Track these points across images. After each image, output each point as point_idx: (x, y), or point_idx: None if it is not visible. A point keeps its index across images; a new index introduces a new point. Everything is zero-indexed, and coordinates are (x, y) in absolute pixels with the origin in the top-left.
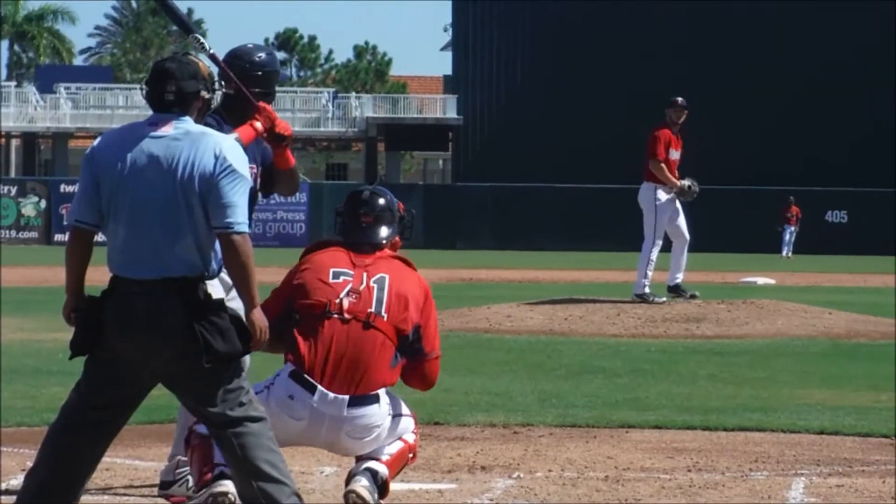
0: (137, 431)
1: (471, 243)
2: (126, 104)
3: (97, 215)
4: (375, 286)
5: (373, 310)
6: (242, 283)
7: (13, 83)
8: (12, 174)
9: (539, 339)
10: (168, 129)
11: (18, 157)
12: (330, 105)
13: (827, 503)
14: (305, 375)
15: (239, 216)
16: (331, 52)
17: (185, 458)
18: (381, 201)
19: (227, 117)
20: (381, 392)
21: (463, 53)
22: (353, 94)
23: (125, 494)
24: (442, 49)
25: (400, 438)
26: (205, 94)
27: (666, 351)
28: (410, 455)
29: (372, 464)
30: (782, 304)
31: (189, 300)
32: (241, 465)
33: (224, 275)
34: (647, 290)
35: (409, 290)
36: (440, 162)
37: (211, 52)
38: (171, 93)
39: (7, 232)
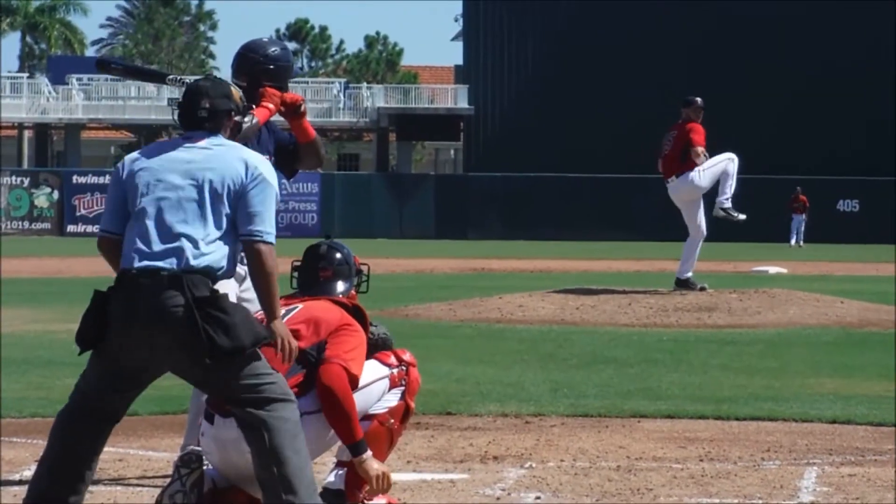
0: (150, 422)
1: (482, 233)
2: (138, 95)
3: (124, 225)
4: (283, 311)
5: None
6: (265, 293)
7: (25, 74)
8: (25, 165)
9: (551, 328)
10: (202, 143)
11: (31, 148)
12: (341, 95)
13: (839, 492)
14: (208, 408)
15: (267, 226)
16: (342, 42)
17: (197, 448)
18: (339, 255)
19: None
20: None
21: (474, 43)
22: (365, 84)
23: (138, 485)
24: (453, 39)
25: (366, 417)
26: (236, 116)
27: (678, 340)
28: (390, 422)
29: (332, 475)
30: (794, 294)
31: (194, 295)
32: (264, 450)
33: (237, 267)
34: (690, 274)
35: (321, 315)
36: (451, 152)
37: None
38: (204, 109)
39: (20, 223)
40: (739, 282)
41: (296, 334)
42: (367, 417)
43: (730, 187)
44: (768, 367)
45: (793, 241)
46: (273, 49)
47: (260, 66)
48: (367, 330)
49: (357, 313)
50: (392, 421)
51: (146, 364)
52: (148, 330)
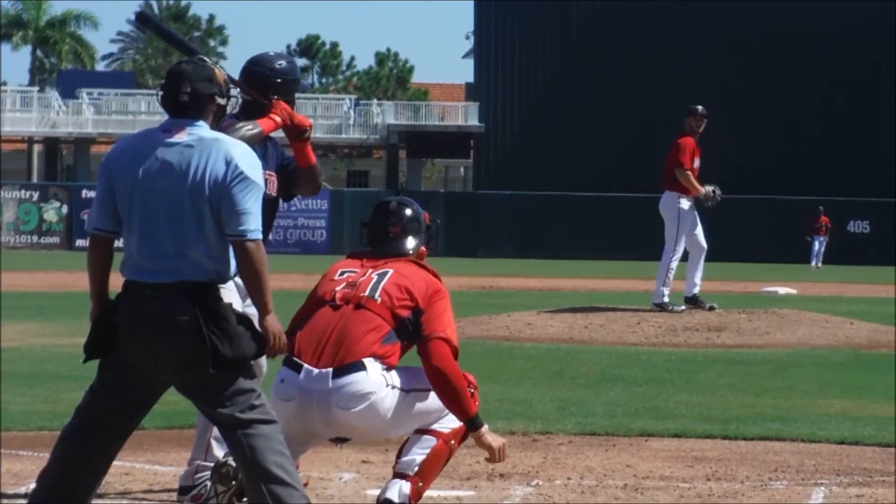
0: (157, 436)
1: (491, 251)
2: (148, 109)
3: (115, 222)
4: (376, 277)
5: (366, 294)
6: (256, 289)
7: (36, 88)
8: (34, 179)
9: (559, 347)
10: (182, 136)
11: (41, 162)
12: (351, 112)
13: None
14: (294, 358)
15: (252, 223)
16: (352, 58)
17: (204, 463)
18: (409, 212)
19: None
20: (370, 360)
21: (485, 61)
22: (375, 100)
23: (144, 499)
24: (464, 56)
25: (429, 432)
26: (220, 99)
27: (686, 360)
28: (451, 443)
29: (396, 490)
30: (803, 314)
31: (200, 305)
32: (251, 467)
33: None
34: (666, 298)
35: (413, 282)
36: (461, 169)
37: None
38: (186, 94)
39: (29, 237)
40: (749, 302)
41: (398, 308)
42: (432, 433)
43: (697, 279)
44: (776, 387)
45: (813, 263)
46: (279, 62)
47: (266, 80)
48: None
49: (431, 273)
50: (453, 442)
51: (150, 374)
52: (154, 340)
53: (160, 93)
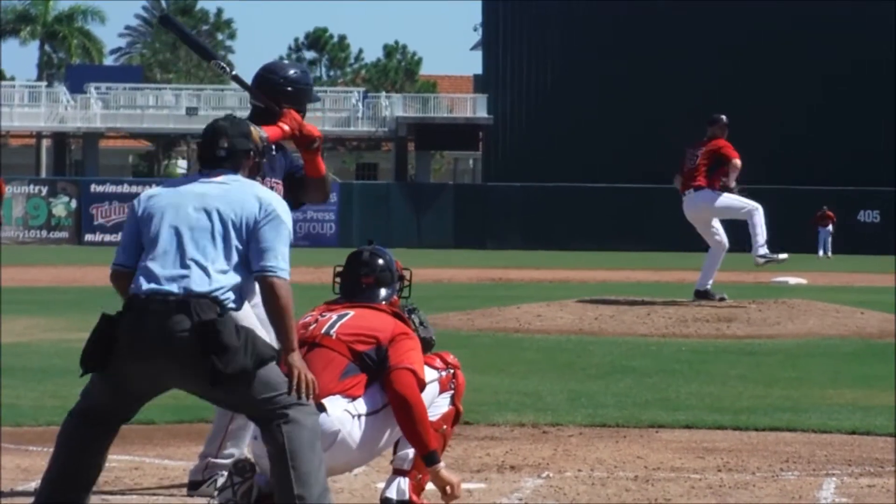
0: (167, 431)
1: (501, 243)
2: (156, 104)
3: (137, 259)
4: (335, 317)
5: (321, 332)
6: (281, 327)
7: (44, 83)
8: (43, 174)
9: (569, 338)
10: (219, 178)
11: (49, 157)
12: (360, 104)
13: (858, 503)
14: None
15: (280, 261)
16: (360, 51)
17: (215, 460)
18: (381, 262)
19: None
20: (329, 399)
21: (493, 52)
22: (383, 93)
23: (154, 494)
24: (472, 48)
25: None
26: (255, 157)
27: (696, 351)
28: (443, 428)
29: (394, 487)
30: (814, 304)
31: (201, 319)
32: (280, 456)
33: (249, 307)
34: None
35: (374, 324)
36: (470, 161)
37: (234, 73)
38: (223, 149)
39: (37, 232)
40: (759, 292)
41: (356, 342)
42: None
43: (760, 236)
44: (787, 377)
45: (820, 253)
46: (293, 71)
47: (278, 88)
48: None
49: (400, 320)
50: (445, 427)
51: (150, 387)
52: (154, 355)
53: (196, 149)
